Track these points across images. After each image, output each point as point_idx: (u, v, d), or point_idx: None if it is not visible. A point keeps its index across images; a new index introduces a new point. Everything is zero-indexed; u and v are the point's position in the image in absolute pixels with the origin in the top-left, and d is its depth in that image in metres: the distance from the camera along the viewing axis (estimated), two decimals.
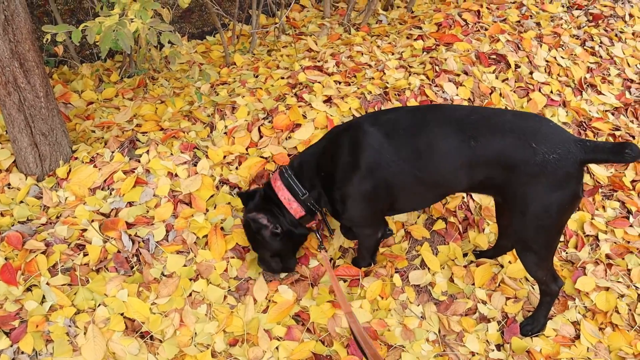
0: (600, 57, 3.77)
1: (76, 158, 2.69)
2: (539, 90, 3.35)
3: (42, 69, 2.43)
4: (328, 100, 2.99)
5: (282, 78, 3.23)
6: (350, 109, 2.93)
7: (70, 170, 2.62)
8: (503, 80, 3.36)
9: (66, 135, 2.66)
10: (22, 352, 2.09)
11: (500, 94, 3.27)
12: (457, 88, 3.22)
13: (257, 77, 3.30)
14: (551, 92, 3.38)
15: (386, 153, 2.01)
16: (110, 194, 2.56)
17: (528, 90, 3.35)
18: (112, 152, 2.68)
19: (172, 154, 2.70)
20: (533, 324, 2.36)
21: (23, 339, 2.10)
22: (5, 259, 2.29)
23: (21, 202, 2.53)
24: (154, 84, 3.33)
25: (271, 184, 2.26)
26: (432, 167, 2.02)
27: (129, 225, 2.42)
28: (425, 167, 2.01)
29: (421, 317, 2.40)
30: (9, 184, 2.60)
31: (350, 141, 2.08)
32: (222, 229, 2.46)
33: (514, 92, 3.33)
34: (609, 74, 3.64)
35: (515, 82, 3.37)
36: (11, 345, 2.09)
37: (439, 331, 2.37)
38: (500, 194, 2.07)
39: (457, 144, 1.93)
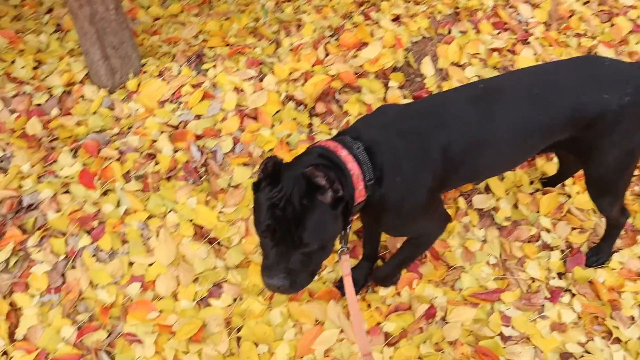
0: None
1: (145, 72, 2.77)
2: (624, 15, 3.16)
3: None
4: (396, 19, 2.93)
5: None
6: (419, 28, 2.87)
7: (140, 84, 2.72)
8: (584, 3, 3.19)
9: (135, 49, 2.74)
10: (101, 250, 2.27)
11: (581, 18, 3.11)
12: (532, 10, 3.08)
13: None
14: (638, 17, 3.18)
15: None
16: (179, 107, 2.65)
17: (611, 15, 3.17)
18: (180, 66, 2.75)
19: (238, 69, 2.74)
20: (598, 255, 2.34)
21: (102, 238, 2.26)
22: (83, 164, 2.44)
23: (95, 112, 2.66)
24: (218, 0, 3.33)
25: (330, 149, 1.65)
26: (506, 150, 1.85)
27: (197, 137, 2.52)
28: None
29: (483, 240, 2.42)
30: (83, 96, 2.73)
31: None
32: (287, 143, 2.51)
33: (596, 15, 3.16)
34: None
35: (599, 4, 3.19)
36: (92, 243, 2.26)
37: (500, 255, 2.39)
38: (574, 150, 1.95)
39: (527, 118, 1.77)
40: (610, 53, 2.98)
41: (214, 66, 2.73)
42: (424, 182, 1.74)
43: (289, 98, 2.69)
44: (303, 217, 1.49)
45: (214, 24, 3.08)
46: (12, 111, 2.65)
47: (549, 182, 2.60)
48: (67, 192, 2.37)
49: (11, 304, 2.16)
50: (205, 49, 2.83)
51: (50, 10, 3.22)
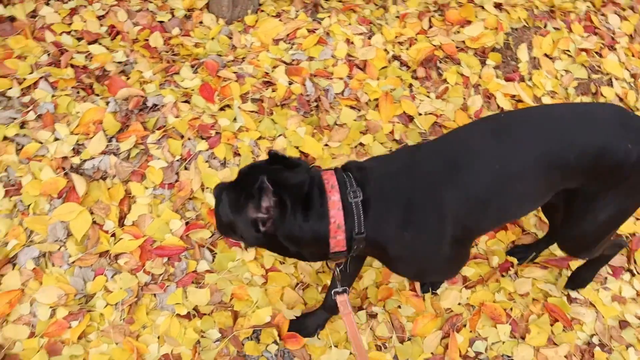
0: None
1: (262, 11, 2.91)
2: None
3: None
4: (498, 6, 3.09)
5: None
6: (519, 17, 3.03)
7: (257, 20, 2.86)
8: None
9: None
10: (215, 157, 2.39)
11: None
12: (620, 22, 3.25)
13: None
14: None
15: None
16: (292, 47, 2.79)
17: None
18: (297, 11, 2.89)
19: (350, 24, 2.89)
20: (578, 282, 2.32)
21: (217, 147, 2.39)
22: (202, 80, 2.58)
23: (213, 38, 2.79)
24: None
25: (324, 185, 1.49)
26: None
27: (311, 75, 2.66)
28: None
29: None
30: (202, 22, 2.86)
31: None
32: (391, 96, 2.66)
33: None
34: None
35: None
36: (207, 149, 2.39)
37: None
38: (569, 201, 1.77)
39: (553, 153, 1.58)
40: None
41: (329, 16, 2.87)
42: (442, 234, 1.56)
43: (395, 57, 2.83)
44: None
45: None
46: (135, 24, 2.78)
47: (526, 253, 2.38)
48: (187, 101, 2.50)
49: (126, 192, 2.28)
50: (321, 0, 2.98)
51: None
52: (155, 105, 2.43)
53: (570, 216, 1.80)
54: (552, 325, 2.21)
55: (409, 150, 1.71)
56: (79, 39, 2.69)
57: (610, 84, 2.98)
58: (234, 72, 2.60)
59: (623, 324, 2.27)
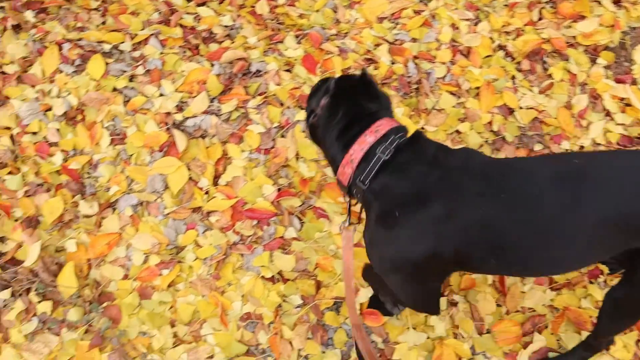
0: None
1: None
2: None
3: None
4: (617, 2, 2.92)
5: None
6: (638, 16, 2.86)
7: None
8: None
9: None
10: None
11: None
12: None
13: None
14: None
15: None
16: (395, 26, 2.75)
17: None
18: None
19: (457, 8, 2.81)
20: None
21: None
22: (305, 51, 2.58)
23: (318, 10, 2.78)
24: None
25: (377, 112, 1.51)
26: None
27: (414, 57, 2.61)
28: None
29: None
30: None
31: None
32: (493, 86, 2.57)
33: None
34: None
35: None
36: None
37: None
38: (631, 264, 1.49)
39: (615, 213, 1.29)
40: None
41: None
42: (419, 243, 1.39)
43: (500, 47, 2.73)
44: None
45: None
46: None
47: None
48: (288, 70, 2.52)
49: (223, 152, 2.33)
50: None
51: None
52: (259, 71, 2.46)
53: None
54: (638, 342, 2.10)
55: (468, 153, 1.48)
56: (188, 0, 2.74)
57: None
58: (337, 47, 2.59)
59: None
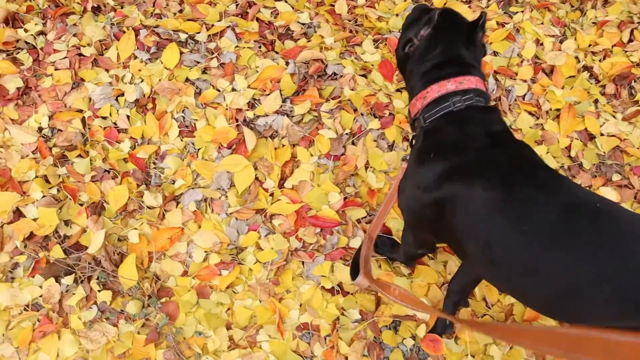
0: None
1: None
2: None
3: None
4: None
5: None
6: None
7: (445, 3, 2.68)
8: None
9: None
10: (384, 138, 2.28)
11: None
12: None
13: None
14: None
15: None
16: None
17: None
18: (489, 1, 2.68)
19: (542, 23, 2.63)
20: None
21: (389, 128, 2.28)
22: (382, 57, 2.46)
23: (397, 14, 2.65)
24: None
25: (461, 75, 1.45)
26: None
27: (495, 72, 2.46)
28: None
29: None
30: None
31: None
32: (575, 109, 2.40)
33: None
34: None
35: None
36: (378, 129, 2.28)
37: None
38: None
39: (607, 288, 1.09)
40: None
41: (522, 12, 2.63)
42: (433, 189, 1.37)
43: (586, 68, 2.55)
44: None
45: None
46: None
47: None
48: (364, 75, 2.40)
49: (292, 155, 2.24)
50: None
51: None
52: (335, 74, 2.35)
53: None
54: None
55: (527, 148, 1.38)
56: None
57: None
58: None
59: None
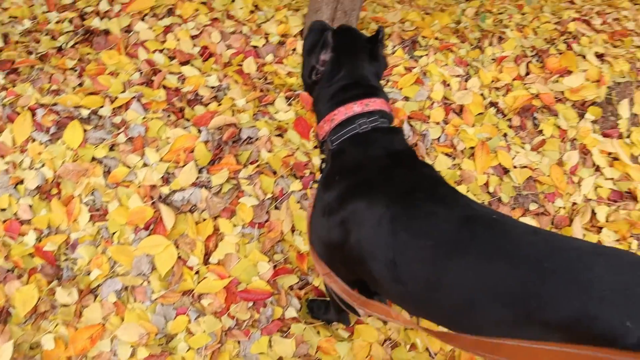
0: None
1: None
2: None
3: None
4: (600, 56, 2.82)
5: (549, 22, 3.07)
6: (621, 70, 2.75)
7: None
8: None
9: (357, 18, 2.65)
10: (307, 199, 2.18)
11: None
12: None
13: (523, 14, 3.16)
14: None
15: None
16: (386, 83, 2.56)
17: None
18: (394, 47, 2.66)
19: (447, 64, 2.65)
20: None
21: (310, 188, 2.18)
22: (296, 114, 2.36)
23: None
24: None
25: (367, 96, 1.46)
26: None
27: (408, 117, 2.43)
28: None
29: None
30: (295, 49, 2.65)
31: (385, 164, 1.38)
32: (488, 145, 2.41)
33: None
34: None
35: None
36: (300, 190, 2.18)
37: None
38: None
39: (501, 292, 1.12)
40: None
41: (427, 55, 2.64)
42: (337, 213, 1.36)
43: (492, 104, 2.59)
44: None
45: (415, 15, 2.99)
46: (229, 47, 2.58)
47: None
48: (280, 135, 2.30)
49: (214, 227, 2.09)
50: (419, 37, 2.74)
51: None
52: (250, 137, 2.23)
53: None
54: None
55: (430, 170, 1.40)
56: (171, 58, 2.50)
57: None
58: None
59: None
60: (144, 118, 2.26)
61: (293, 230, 2.10)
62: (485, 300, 1.13)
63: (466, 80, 2.61)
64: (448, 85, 2.57)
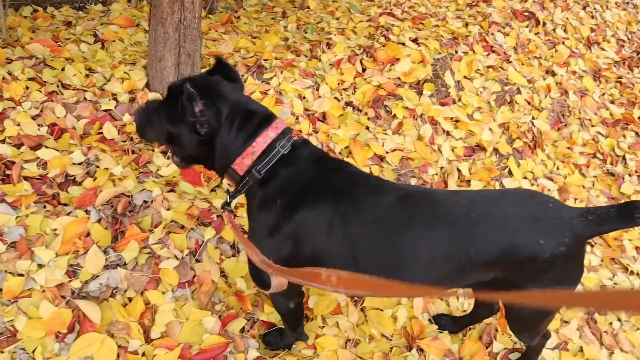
0: (597, 20, 4.45)
1: None
2: (563, 44, 3.93)
3: None
4: (414, 40, 3.33)
5: (362, 21, 3.51)
6: (435, 48, 3.30)
7: None
8: (535, 34, 3.90)
9: (200, 57, 2.76)
10: (224, 242, 2.24)
11: (535, 46, 3.80)
12: (504, 37, 3.69)
13: (337, 19, 3.55)
14: (570, 46, 3.97)
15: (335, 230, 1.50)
16: None
17: (555, 43, 3.92)
18: (243, 75, 2.82)
19: (295, 79, 2.89)
20: None
21: (224, 230, 2.25)
22: None
23: None
24: (238, 21, 3.45)
25: (270, 120, 1.57)
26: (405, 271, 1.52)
27: None
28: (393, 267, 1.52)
29: None
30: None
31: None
32: (359, 141, 2.71)
33: (544, 44, 3.88)
34: (606, 34, 4.33)
35: (545, 36, 3.92)
36: (215, 235, 2.23)
37: None
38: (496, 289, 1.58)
39: (449, 250, 1.48)
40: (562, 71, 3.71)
41: (275, 76, 2.85)
42: (285, 225, 1.53)
43: (348, 104, 2.90)
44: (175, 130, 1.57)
45: (245, 41, 3.19)
46: (78, 117, 2.49)
47: (452, 325, 2.27)
48: (172, 190, 2.31)
49: (145, 303, 2.04)
50: (261, 60, 2.94)
51: (69, 23, 3.07)
52: (145, 201, 2.21)
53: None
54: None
55: (343, 162, 1.68)
56: (18, 146, 2.34)
57: (519, 92, 3.37)
58: None
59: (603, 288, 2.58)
60: (17, 218, 2.10)
61: (224, 276, 2.15)
62: (436, 259, 1.48)
63: (317, 89, 2.89)
64: (304, 97, 2.82)
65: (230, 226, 1.63)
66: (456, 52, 3.37)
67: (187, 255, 2.15)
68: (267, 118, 1.57)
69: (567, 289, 1.56)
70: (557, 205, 1.54)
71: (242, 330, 2.08)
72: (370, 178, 1.63)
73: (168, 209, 2.23)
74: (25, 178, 2.22)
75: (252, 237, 1.63)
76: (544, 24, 3.98)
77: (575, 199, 2.96)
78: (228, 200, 1.67)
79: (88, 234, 2.10)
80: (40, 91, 2.50)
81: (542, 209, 1.51)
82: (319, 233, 1.51)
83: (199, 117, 1.48)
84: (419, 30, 3.50)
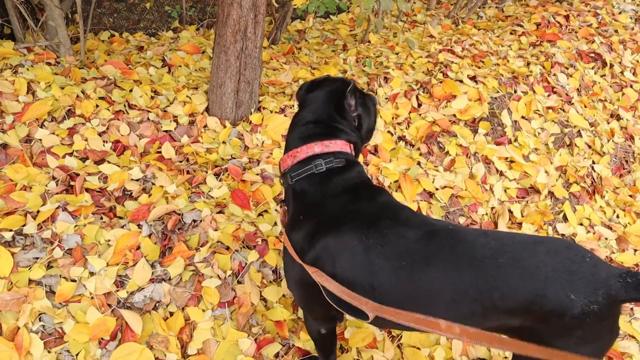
0: None
1: (264, 108, 2.90)
2: (631, 87, 3.81)
3: (264, 21, 2.66)
4: (472, 78, 3.33)
5: (421, 57, 3.55)
6: (493, 87, 3.28)
7: (262, 118, 2.84)
8: (601, 76, 3.80)
9: (259, 86, 2.87)
10: (266, 265, 2.30)
11: (600, 88, 3.70)
12: (567, 78, 3.63)
13: (397, 54, 3.61)
14: (639, 90, 3.84)
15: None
16: None
17: (622, 86, 3.81)
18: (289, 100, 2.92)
19: None
20: None
21: (267, 254, 2.30)
22: (229, 187, 2.49)
23: (224, 142, 2.72)
24: (299, 52, 3.57)
25: (332, 135, 1.65)
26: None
27: None
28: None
29: None
30: (206, 126, 2.79)
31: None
32: (409, 176, 2.73)
33: (610, 86, 3.78)
34: None
35: (611, 78, 3.82)
36: (258, 259, 2.29)
37: None
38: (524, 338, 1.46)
39: (472, 291, 1.42)
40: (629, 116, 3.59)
41: None
42: (306, 251, 1.54)
43: (400, 138, 2.93)
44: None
45: (305, 72, 3.29)
46: (140, 136, 2.65)
47: None
48: (221, 212, 2.40)
49: (185, 318, 2.12)
50: None
51: (141, 47, 3.28)
52: (195, 220, 2.31)
53: None
54: None
55: (386, 196, 1.64)
56: (83, 160, 2.51)
57: (579, 134, 3.29)
58: (257, 174, 2.55)
59: None
60: (75, 226, 2.24)
61: (264, 300, 2.20)
62: (458, 299, 1.43)
63: None
64: None
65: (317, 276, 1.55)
66: (515, 91, 3.34)
67: (229, 276, 2.22)
68: (330, 134, 1.63)
69: (596, 352, 1.46)
70: (595, 260, 1.44)
71: (277, 355, 2.11)
72: (401, 211, 1.60)
73: (215, 230, 2.31)
74: (87, 190, 2.36)
75: (284, 262, 1.67)
76: (611, 65, 3.88)
77: (635, 250, 2.83)
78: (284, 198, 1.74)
79: (138, 247, 2.21)
80: (108, 110, 2.67)
81: (578, 262, 1.41)
82: (341, 261, 1.50)
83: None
84: (479, 68, 3.50)
